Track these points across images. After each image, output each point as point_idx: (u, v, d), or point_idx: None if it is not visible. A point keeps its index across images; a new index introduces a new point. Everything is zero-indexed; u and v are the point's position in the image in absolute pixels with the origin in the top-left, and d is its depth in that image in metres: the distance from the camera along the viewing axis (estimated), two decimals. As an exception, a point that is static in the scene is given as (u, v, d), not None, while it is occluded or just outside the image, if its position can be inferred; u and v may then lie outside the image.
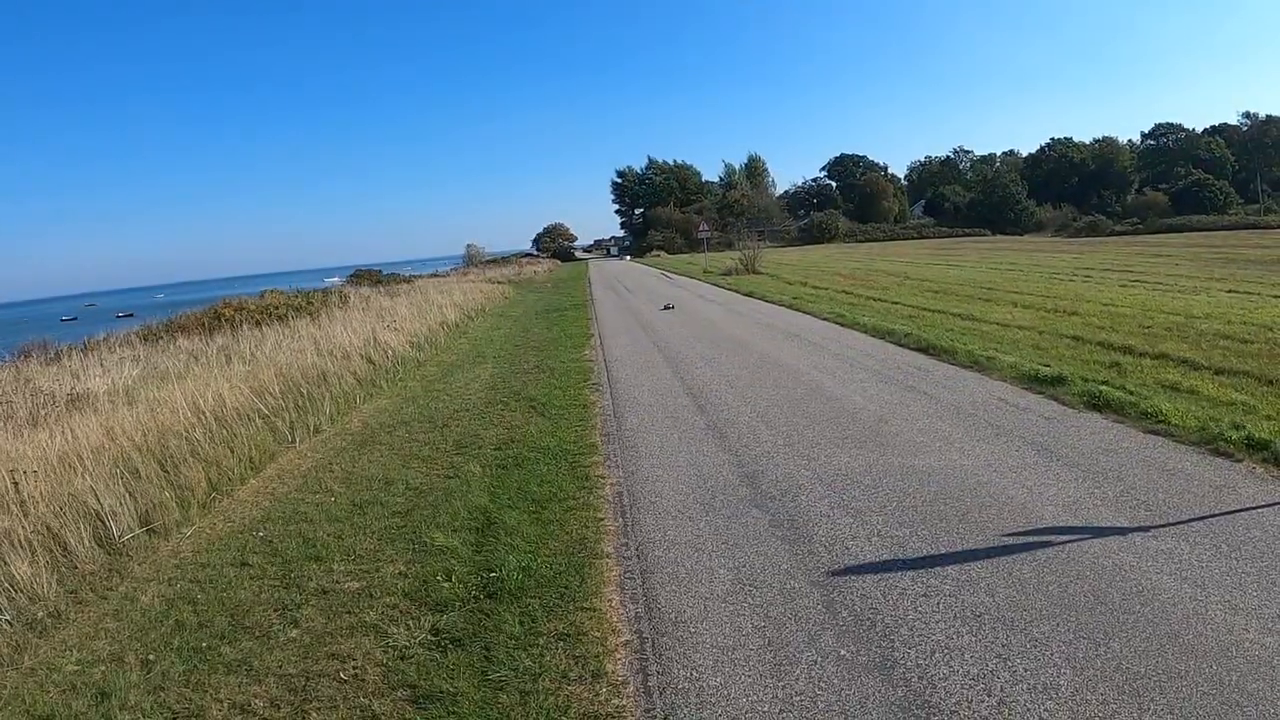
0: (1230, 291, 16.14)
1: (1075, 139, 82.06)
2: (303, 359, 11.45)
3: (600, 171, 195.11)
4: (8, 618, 4.40)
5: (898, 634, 3.56)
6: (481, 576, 4.49)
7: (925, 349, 10.55)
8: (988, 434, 6.50)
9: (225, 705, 3.50)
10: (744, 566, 4.40)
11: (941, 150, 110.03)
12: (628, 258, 72.43)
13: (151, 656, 3.97)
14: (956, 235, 67.90)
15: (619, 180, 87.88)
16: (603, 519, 5.30)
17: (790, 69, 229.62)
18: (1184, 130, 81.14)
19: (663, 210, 79.19)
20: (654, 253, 69.39)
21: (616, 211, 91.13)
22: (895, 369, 9.54)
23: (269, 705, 3.47)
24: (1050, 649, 3.34)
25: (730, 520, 5.11)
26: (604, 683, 3.41)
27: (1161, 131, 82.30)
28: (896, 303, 16.70)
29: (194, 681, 3.71)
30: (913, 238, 69.19)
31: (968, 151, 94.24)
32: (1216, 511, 4.60)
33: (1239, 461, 5.43)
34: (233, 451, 7.19)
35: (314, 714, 3.37)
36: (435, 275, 48.47)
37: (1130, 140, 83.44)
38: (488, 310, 24.81)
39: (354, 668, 3.70)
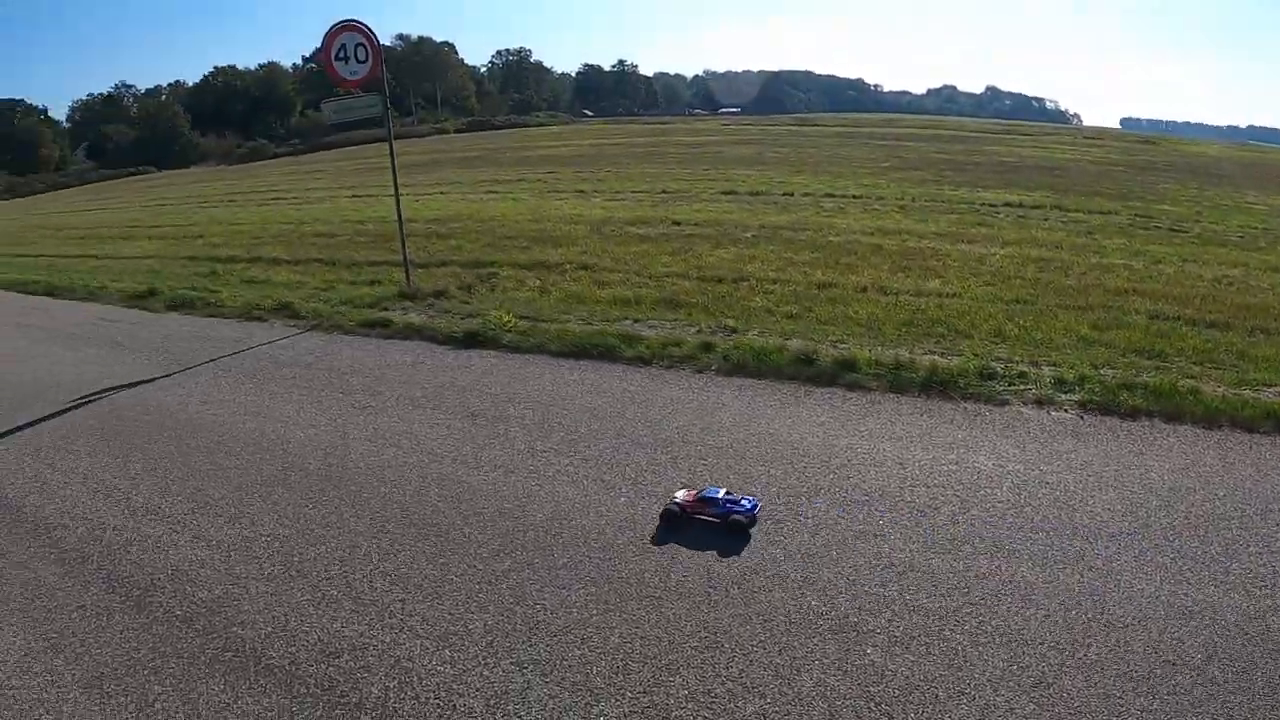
0: (353, 195, 19.47)
1: (240, 66, 79.81)
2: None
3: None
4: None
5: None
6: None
7: (51, 292, 11.14)
8: (80, 343, 7.85)
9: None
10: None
11: (104, 87, 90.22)
12: None
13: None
14: (122, 176, 57.20)
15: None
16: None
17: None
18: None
19: None
20: None
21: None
22: (18, 311, 10.11)
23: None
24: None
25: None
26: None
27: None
28: (39, 255, 15.95)
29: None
30: (74, 185, 55.83)
31: (130, 86, 79.16)
32: (223, 354, 6.75)
33: (265, 322, 7.86)
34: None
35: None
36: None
37: (294, 64, 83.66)
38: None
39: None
